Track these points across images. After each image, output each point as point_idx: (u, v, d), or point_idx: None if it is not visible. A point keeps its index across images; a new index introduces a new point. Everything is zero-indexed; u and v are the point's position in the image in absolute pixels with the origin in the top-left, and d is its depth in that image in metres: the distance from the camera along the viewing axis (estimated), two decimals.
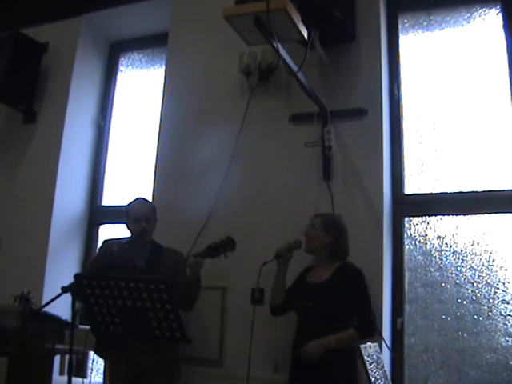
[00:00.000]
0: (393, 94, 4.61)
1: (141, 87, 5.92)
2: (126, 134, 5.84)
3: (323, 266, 3.76)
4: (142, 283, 3.00)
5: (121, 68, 6.09)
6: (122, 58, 6.10)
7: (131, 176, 5.64)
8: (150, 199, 4.67)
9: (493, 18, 4.60)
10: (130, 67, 6.06)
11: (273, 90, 4.70)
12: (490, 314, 4.11)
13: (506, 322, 4.06)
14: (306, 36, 3.71)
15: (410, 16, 4.79)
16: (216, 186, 4.62)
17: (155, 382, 3.78)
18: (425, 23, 4.75)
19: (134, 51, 6.07)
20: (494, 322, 4.09)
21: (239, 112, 4.68)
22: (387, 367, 3.88)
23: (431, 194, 4.47)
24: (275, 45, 3.49)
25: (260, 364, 4.04)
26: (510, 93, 4.41)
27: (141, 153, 5.62)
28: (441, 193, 4.44)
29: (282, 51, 3.62)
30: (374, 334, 3.61)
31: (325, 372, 3.44)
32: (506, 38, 4.49)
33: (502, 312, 4.09)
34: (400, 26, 4.78)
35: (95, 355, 4.17)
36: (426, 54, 4.71)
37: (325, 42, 4.21)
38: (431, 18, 4.72)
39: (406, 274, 4.37)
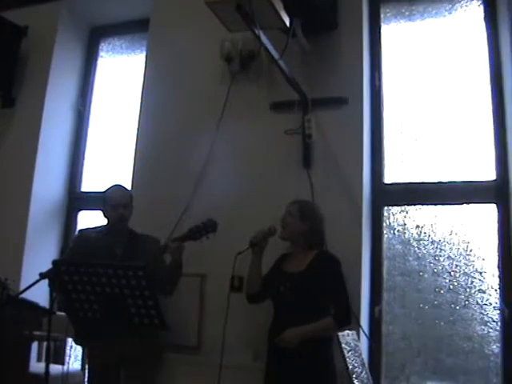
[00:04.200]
0: (374, 83, 4.62)
1: (121, 73, 5.88)
2: (106, 120, 5.80)
3: (299, 254, 3.76)
4: (120, 270, 2.99)
5: (101, 53, 6.03)
6: (103, 44, 6.05)
7: (110, 162, 5.61)
8: (129, 186, 4.64)
9: (474, 9, 4.63)
10: (110, 53, 6.01)
11: (254, 77, 4.68)
12: (466, 302, 4.16)
13: (482, 310, 4.12)
14: (287, 24, 3.69)
15: (392, 6, 4.81)
16: (196, 172, 4.61)
17: (135, 370, 3.77)
18: (407, 13, 4.77)
19: (115, 36, 6.01)
20: (471, 310, 4.14)
21: (220, 99, 4.66)
22: (365, 355, 3.92)
23: (411, 183, 4.50)
24: (257, 32, 3.47)
25: (238, 352, 4.06)
26: (489, 84, 4.44)
27: (120, 139, 5.59)
28: (420, 182, 4.47)
29: (264, 38, 3.60)
30: (350, 322, 3.63)
31: (301, 360, 3.46)
32: (487, 30, 4.53)
33: (479, 301, 4.14)
34: (382, 16, 4.79)
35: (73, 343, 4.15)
36: (407, 43, 4.72)
37: (307, 30, 4.20)
38: (413, 8, 4.74)
39: (385, 263, 4.40)
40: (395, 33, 4.77)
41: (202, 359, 4.33)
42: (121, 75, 5.88)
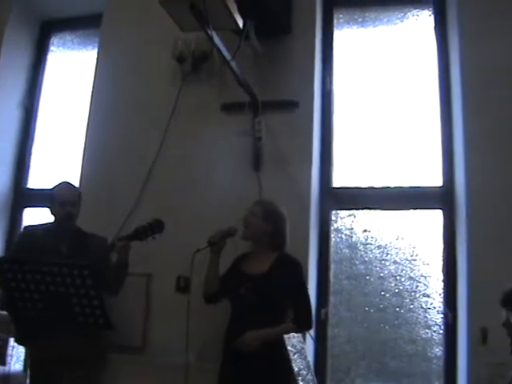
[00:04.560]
0: (325, 87, 4.67)
1: (72, 69, 5.78)
2: (55, 117, 5.70)
3: (260, 256, 3.74)
4: (65, 268, 2.96)
5: (52, 48, 5.92)
6: (54, 38, 5.93)
7: (59, 159, 5.52)
8: (77, 183, 4.58)
9: (425, 18, 4.74)
10: (61, 48, 5.90)
11: (205, 78, 4.67)
12: (411, 306, 4.24)
13: (427, 314, 4.20)
14: (241, 25, 3.69)
15: (345, 12, 4.86)
16: (145, 171, 4.58)
17: (78, 370, 3.70)
18: (359, 19, 4.83)
19: (67, 31, 5.89)
20: (415, 314, 4.22)
21: (171, 99, 4.64)
22: (310, 357, 3.94)
23: (359, 188, 4.55)
24: (210, 32, 3.47)
25: (183, 352, 4.02)
26: (438, 92, 4.53)
27: (69, 136, 5.50)
28: (368, 187, 4.53)
29: (217, 39, 3.60)
30: (311, 327, 3.65)
31: (258, 362, 3.44)
32: (437, 39, 4.63)
33: (423, 305, 4.23)
34: (335, 21, 4.84)
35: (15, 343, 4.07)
36: (359, 49, 4.78)
37: (260, 33, 4.20)
38: (366, 14, 4.81)
39: (332, 266, 4.44)
40: (348, 38, 4.82)
41: (147, 360, 4.28)
42: (71, 71, 5.78)
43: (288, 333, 3.43)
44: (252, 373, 3.45)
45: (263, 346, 3.44)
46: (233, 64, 3.84)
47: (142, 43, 4.90)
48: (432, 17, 4.71)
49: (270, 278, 3.60)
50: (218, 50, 3.72)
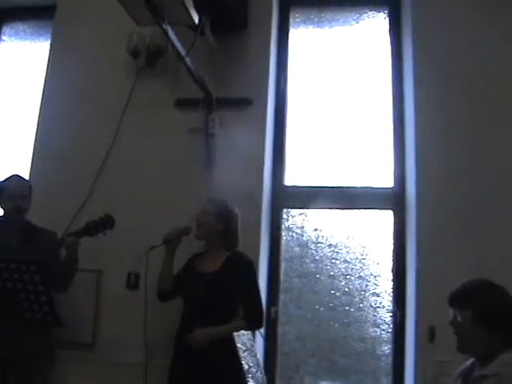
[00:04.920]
0: (279, 86, 4.68)
1: (24, 59, 5.67)
2: (4, 108, 5.59)
3: (213, 255, 3.72)
4: (13, 263, 2.91)
5: (3, 37, 5.80)
6: (5, 27, 5.81)
7: (8, 152, 5.41)
8: (27, 177, 4.50)
9: (380, 21, 4.79)
10: (13, 38, 5.79)
11: (160, 73, 4.62)
12: (360, 305, 4.29)
13: (376, 313, 4.26)
14: (196, 21, 3.67)
15: (302, 11, 4.87)
16: (96, 166, 4.52)
17: (26, 367, 3.63)
18: (316, 19, 4.84)
19: (19, 21, 5.77)
20: (365, 313, 4.27)
21: (124, 93, 4.58)
22: (260, 355, 3.96)
23: (310, 186, 4.57)
24: (164, 27, 3.44)
25: (133, 349, 4.00)
26: (391, 94, 4.60)
27: (20, 128, 5.40)
28: (320, 186, 4.54)
29: (172, 34, 3.56)
30: (262, 325, 3.65)
31: (209, 360, 3.42)
32: (391, 42, 4.70)
33: (372, 304, 4.28)
34: (291, 20, 4.85)
35: None
36: (314, 49, 4.80)
37: (216, 29, 4.18)
38: (322, 15, 4.83)
39: (282, 264, 4.45)
40: (303, 38, 4.83)
41: (97, 356, 4.23)
42: (23, 62, 5.68)
43: (238, 330, 3.43)
44: (202, 370, 3.43)
45: (214, 343, 3.43)
46: (187, 60, 3.81)
47: (96, 36, 4.82)
48: (387, 19, 4.78)
49: (221, 277, 3.59)
50: (173, 45, 3.68)
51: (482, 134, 4.17)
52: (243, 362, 3.17)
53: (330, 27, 4.81)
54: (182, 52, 3.74)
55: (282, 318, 4.35)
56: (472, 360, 2.47)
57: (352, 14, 4.81)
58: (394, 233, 4.39)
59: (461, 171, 4.12)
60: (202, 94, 4.28)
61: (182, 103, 4.50)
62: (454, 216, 4.05)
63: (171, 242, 3.77)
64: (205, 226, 3.73)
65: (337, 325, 4.28)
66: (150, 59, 4.60)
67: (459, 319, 2.41)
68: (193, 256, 3.88)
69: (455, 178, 4.11)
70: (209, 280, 3.59)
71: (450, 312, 2.48)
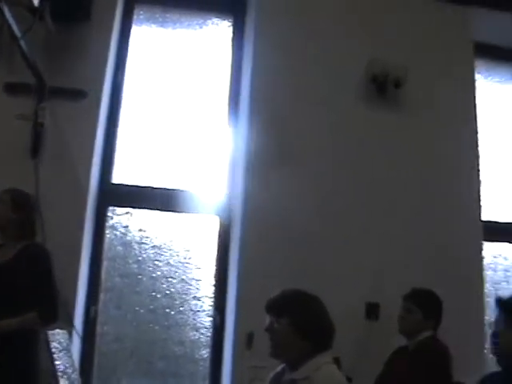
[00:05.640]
0: (116, 81, 4.57)
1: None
2: None
3: (8, 245, 3.49)
4: None
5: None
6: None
7: None
8: None
9: (224, 29, 4.87)
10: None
11: None
12: (181, 308, 4.32)
13: (196, 317, 4.31)
14: (36, 4, 3.52)
15: (147, 9, 4.82)
16: None
17: None
18: (160, 19, 4.81)
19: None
20: (185, 316, 4.31)
21: None
22: (77, 355, 3.85)
23: (138, 186, 4.52)
24: (1, 5, 3.25)
25: None
26: (228, 101, 4.69)
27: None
28: (147, 186, 4.51)
29: (8, 14, 3.37)
30: (57, 319, 3.49)
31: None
32: (233, 51, 4.80)
33: (193, 308, 4.32)
34: (135, 17, 4.77)
35: None
36: (156, 48, 4.76)
37: (58, 17, 4.00)
38: (167, 15, 4.81)
39: (104, 263, 4.35)
40: (146, 36, 4.77)
41: None
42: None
43: (30, 324, 3.27)
44: None
45: (5, 339, 3.21)
46: (22, 42, 3.62)
47: None
48: (231, 28, 4.87)
49: (11, 267, 3.38)
50: (9, 25, 3.48)
51: (309, 149, 4.40)
52: (58, 363, 3.08)
53: (174, 28, 4.81)
54: (18, 34, 3.55)
55: (101, 318, 4.24)
56: (283, 365, 2.57)
57: (197, 18, 4.84)
58: (218, 238, 4.47)
59: (287, 180, 4.29)
60: (34, 80, 4.08)
61: (12, 87, 4.20)
62: (278, 225, 4.21)
63: None
64: (0, 216, 3.54)
65: (157, 327, 4.26)
66: None
67: (276, 326, 2.50)
68: None
69: (283, 188, 4.27)
70: None
71: (267, 319, 2.56)
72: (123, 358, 4.20)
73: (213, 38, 4.85)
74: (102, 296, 4.29)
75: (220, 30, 4.86)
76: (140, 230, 4.43)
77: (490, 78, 5.50)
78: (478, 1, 4.94)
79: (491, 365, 2.87)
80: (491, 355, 2.61)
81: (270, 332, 2.53)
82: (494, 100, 5.44)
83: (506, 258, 5.06)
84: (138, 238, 4.41)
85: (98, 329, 4.22)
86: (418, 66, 4.68)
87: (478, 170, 4.76)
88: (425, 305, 3.71)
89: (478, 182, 4.73)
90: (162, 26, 4.79)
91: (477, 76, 5.10)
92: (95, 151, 4.27)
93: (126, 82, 4.65)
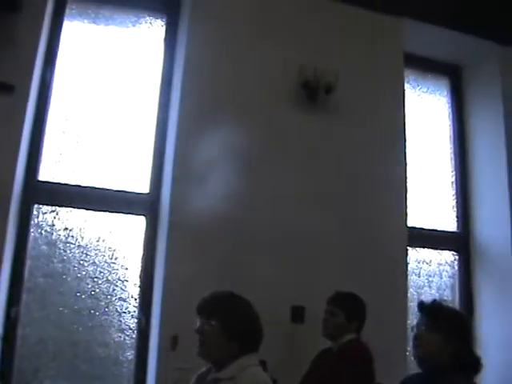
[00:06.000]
0: (45, 76, 4.43)
1: None
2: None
3: None
4: None
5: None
6: None
7: None
8: None
9: (157, 28, 4.84)
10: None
11: None
12: (106, 309, 4.26)
13: (121, 318, 4.26)
14: None
15: (79, 4, 4.70)
16: None
17: None
18: (93, 15, 4.72)
19: None
20: (110, 317, 4.25)
21: None
22: None
23: (64, 184, 4.42)
24: None
25: None
26: (158, 101, 4.67)
27: None
28: (74, 185, 4.42)
29: None
30: None
31: None
32: (165, 51, 4.80)
33: (118, 309, 4.27)
34: (67, 11, 4.64)
35: None
36: (87, 45, 4.67)
37: None
38: (100, 12, 4.73)
39: (28, 262, 4.21)
40: (77, 31, 4.66)
41: None
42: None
43: None
44: None
45: None
46: None
47: None
48: (164, 28, 4.84)
49: None
50: None
51: (236, 156, 4.43)
52: None
53: (106, 25, 4.73)
54: None
55: (23, 319, 4.09)
56: (209, 366, 2.59)
57: (130, 16, 4.80)
58: (144, 239, 4.44)
59: (216, 181, 4.29)
60: None
61: None
62: (205, 226, 4.21)
63: None
64: None
65: (81, 328, 4.17)
66: None
67: (206, 328, 2.51)
68: None
69: (210, 188, 4.27)
70: None
71: (198, 320, 2.57)
72: (45, 361, 4.08)
73: (145, 37, 4.81)
74: (24, 296, 4.14)
75: (153, 29, 4.84)
76: (66, 229, 4.33)
77: (419, 88, 5.64)
78: (411, 12, 5.07)
79: (413, 367, 2.92)
80: (413, 357, 2.66)
81: (199, 333, 2.54)
82: (420, 110, 5.58)
83: (429, 264, 5.20)
84: (63, 237, 4.30)
85: (19, 331, 4.06)
86: (350, 73, 4.76)
87: (406, 178, 4.88)
88: (347, 308, 3.77)
89: (405, 189, 4.84)
90: (94, 22, 4.69)
91: (406, 85, 5.22)
92: (21, 148, 4.12)
93: (56, 78, 4.52)
